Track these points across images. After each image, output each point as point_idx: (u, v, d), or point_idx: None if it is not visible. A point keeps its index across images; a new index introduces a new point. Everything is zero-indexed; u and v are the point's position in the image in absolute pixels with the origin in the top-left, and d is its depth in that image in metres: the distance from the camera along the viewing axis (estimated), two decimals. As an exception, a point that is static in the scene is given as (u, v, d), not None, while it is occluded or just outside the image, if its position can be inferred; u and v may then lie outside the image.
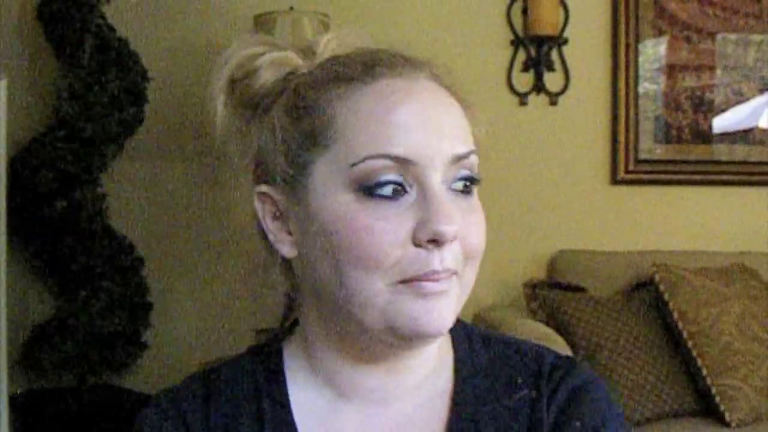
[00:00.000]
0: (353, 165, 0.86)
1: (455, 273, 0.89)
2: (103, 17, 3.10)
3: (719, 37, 3.72)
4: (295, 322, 1.03)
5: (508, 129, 3.62)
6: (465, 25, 3.61)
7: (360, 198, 0.86)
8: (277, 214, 0.94)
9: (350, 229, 0.85)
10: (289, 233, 0.93)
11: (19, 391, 3.07)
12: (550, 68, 3.64)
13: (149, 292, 3.22)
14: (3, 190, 2.81)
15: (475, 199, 0.94)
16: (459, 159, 0.91)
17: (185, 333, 3.40)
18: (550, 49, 3.64)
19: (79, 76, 3.03)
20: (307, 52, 0.98)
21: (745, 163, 3.75)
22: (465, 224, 0.90)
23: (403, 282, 0.86)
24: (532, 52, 3.63)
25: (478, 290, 3.40)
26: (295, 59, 0.97)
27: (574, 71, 3.65)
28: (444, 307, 0.88)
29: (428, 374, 0.97)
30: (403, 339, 0.89)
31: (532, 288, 3.16)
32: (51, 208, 3.04)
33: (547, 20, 3.55)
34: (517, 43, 3.63)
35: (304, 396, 0.97)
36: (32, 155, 2.99)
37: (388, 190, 0.86)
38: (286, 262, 0.96)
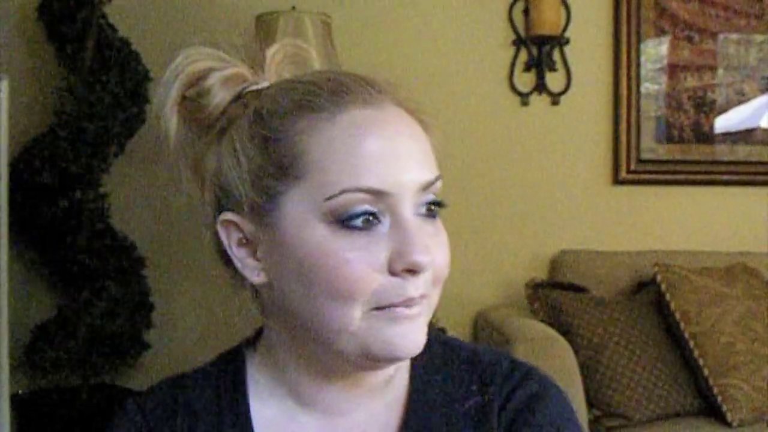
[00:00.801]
0: (328, 198, 0.87)
1: (425, 296, 0.91)
2: (104, 17, 3.10)
3: (721, 37, 3.72)
4: (261, 330, 1.05)
5: (509, 129, 3.62)
6: (466, 25, 3.61)
7: (335, 230, 0.87)
8: (243, 240, 0.94)
9: (326, 261, 0.87)
10: (257, 259, 0.93)
11: (21, 391, 3.07)
12: (552, 68, 3.64)
13: (151, 292, 3.22)
14: (4, 189, 2.81)
15: (439, 221, 0.93)
16: (427, 186, 0.91)
17: (187, 333, 3.40)
18: (552, 49, 3.64)
19: (80, 75, 3.03)
20: (255, 64, 1.00)
21: (746, 163, 3.74)
22: (434, 249, 0.90)
23: (378, 308, 0.88)
24: (534, 52, 3.63)
25: (480, 290, 3.43)
26: (246, 74, 0.98)
27: (576, 71, 3.65)
28: (417, 330, 0.90)
29: (386, 382, 0.99)
30: (377, 361, 0.91)
31: (534, 288, 3.16)
32: (52, 208, 3.04)
33: (548, 20, 3.55)
34: (518, 43, 3.63)
35: (264, 407, 0.99)
36: (34, 155, 2.99)
37: (362, 221, 0.87)
38: (253, 285, 0.97)
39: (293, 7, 3.17)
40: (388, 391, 1.00)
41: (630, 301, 3.17)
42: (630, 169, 3.67)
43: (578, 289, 3.20)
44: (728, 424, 2.86)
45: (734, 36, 3.73)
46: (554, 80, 3.65)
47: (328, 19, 3.17)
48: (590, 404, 2.85)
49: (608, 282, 3.38)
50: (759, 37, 3.75)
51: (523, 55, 3.64)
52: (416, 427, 0.97)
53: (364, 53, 3.50)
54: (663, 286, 3.07)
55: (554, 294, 3.10)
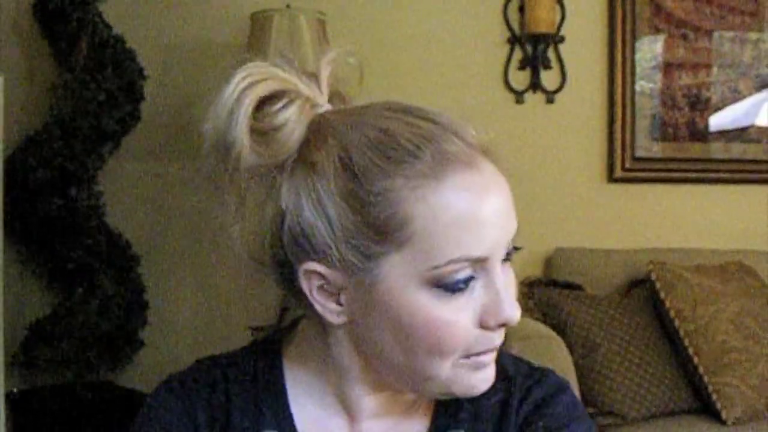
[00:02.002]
0: (435, 267, 0.87)
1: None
2: (99, 15, 3.10)
3: (716, 35, 3.72)
4: (294, 323, 1.04)
5: (504, 127, 3.62)
6: (461, 23, 3.61)
7: (435, 293, 0.88)
8: (326, 287, 0.92)
9: (429, 325, 0.88)
10: (339, 304, 0.92)
11: (15, 389, 3.07)
12: (547, 66, 3.64)
13: (146, 290, 3.22)
14: (-1, 187, 2.80)
15: (509, 263, 0.96)
16: (514, 235, 0.95)
17: (181, 331, 3.40)
18: (547, 47, 3.64)
19: (75, 73, 3.03)
20: (310, 78, 0.95)
21: (741, 161, 3.75)
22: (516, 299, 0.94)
23: (466, 357, 0.91)
24: (529, 50, 3.63)
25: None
26: (309, 94, 0.94)
27: (571, 69, 3.65)
28: (493, 372, 0.95)
29: None
30: (451, 396, 0.95)
31: (529, 286, 3.16)
32: (47, 206, 3.03)
33: (543, 18, 3.55)
34: (513, 41, 3.63)
35: (302, 404, 1.00)
36: (28, 153, 2.99)
37: (462, 285, 0.89)
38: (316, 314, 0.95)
39: (288, 5, 3.17)
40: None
41: (625, 299, 3.17)
42: (625, 167, 3.67)
43: (573, 287, 3.20)
44: (723, 422, 2.86)
45: (729, 34, 3.73)
46: (549, 78, 3.65)
47: (322, 17, 3.17)
48: (585, 402, 2.86)
49: (603, 280, 3.38)
50: (754, 35, 3.75)
51: (518, 53, 3.64)
52: (446, 419, 1.00)
53: (358, 51, 3.49)
54: (658, 284, 3.07)
55: (549, 292, 3.10)
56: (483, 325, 0.90)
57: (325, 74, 0.97)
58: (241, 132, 0.90)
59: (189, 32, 3.43)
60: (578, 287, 3.21)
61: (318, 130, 0.92)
